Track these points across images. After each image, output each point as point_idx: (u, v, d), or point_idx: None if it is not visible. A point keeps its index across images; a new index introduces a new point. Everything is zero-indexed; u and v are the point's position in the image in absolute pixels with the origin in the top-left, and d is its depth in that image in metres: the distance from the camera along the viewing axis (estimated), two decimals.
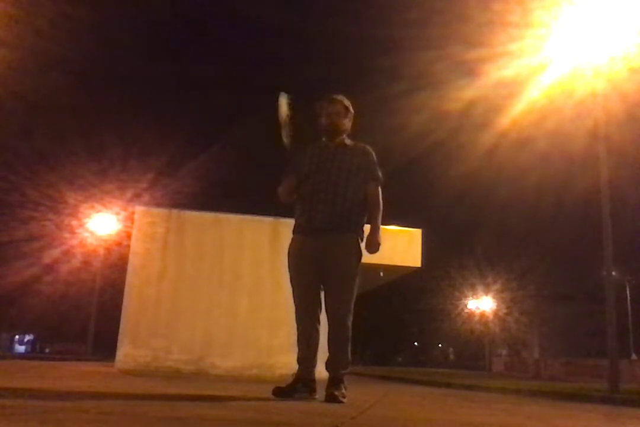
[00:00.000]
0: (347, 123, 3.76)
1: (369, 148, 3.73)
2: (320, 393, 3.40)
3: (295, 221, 3.68)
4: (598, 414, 5.18)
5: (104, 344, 23.80)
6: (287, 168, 3.68)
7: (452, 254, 35.50)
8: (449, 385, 11.19)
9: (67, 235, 25.75)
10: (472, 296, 38.36)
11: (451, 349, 58.24)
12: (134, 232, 9.47)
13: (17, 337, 48.56)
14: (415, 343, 59.91)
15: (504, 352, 43.09)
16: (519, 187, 36.74)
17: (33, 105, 19.75)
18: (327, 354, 3.49)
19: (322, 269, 3.50)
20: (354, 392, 3.99)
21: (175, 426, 1.89)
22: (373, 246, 3.54)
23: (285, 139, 3.64)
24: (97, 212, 25.17)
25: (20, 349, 46.87)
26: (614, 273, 10.95)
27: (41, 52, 15.74)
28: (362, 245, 3.58)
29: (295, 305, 3.59)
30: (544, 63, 11.09)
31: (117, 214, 25.03)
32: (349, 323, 3.50)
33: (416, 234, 10.72)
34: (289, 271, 3.64)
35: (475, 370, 38.46)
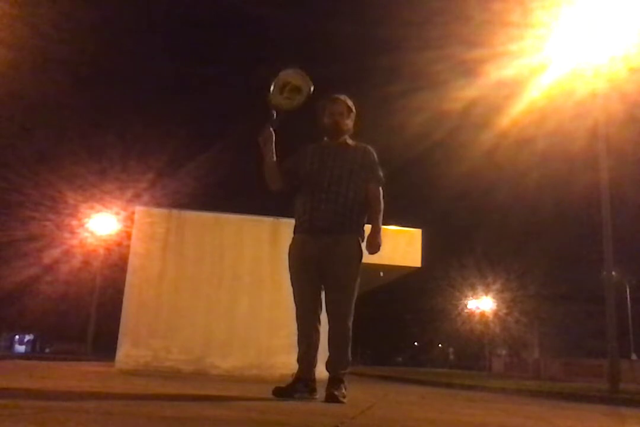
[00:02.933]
0: (350, 123, 3.75)
1: (370, 148, 3.72)
2: (320, 393, 3.40)
3: (296, 221, 3.67)
4: (598, 414, 5.18)
5: (104, 344, 23.79)
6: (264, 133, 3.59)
7: (452, 254, 35.54)
8: (449, 385, 11.17)
9: (67, 235, 25.79)
10: (472, 296, 38.40)
11: (451, 349, 58.22)
12: (134, 232, 9.47)
13: (17, 337, 48.61)
14: (415, 343, 59.98)
15: (504, 352, 43.09)
16: (519, 187, 36.76)
17: (33, 105, 19.74)
18: (327, 354, 3.49)
19: (323, 269, 3.49)
20: (354, 392, 3.98)
21: (175, 426, 1.89)
22: (374, 247, 3.54)
23: (279, 99, 3.56)
24: (97, 212, 25.21)
25: (20, 349, 46.89)
26: (614, 273, 10.95)
27: (41, 52, 15.74)
28: (363, 245, 3.58)
29: (296, 305, 3.59)
30: (544, 63, 11.11)
31: (117, 214, 25.09)
32: (350, 323, 3.50)
33: (416, 234, 10.72)
34: (290, 270, 3.63)
35: (475, 370, 38.49)
